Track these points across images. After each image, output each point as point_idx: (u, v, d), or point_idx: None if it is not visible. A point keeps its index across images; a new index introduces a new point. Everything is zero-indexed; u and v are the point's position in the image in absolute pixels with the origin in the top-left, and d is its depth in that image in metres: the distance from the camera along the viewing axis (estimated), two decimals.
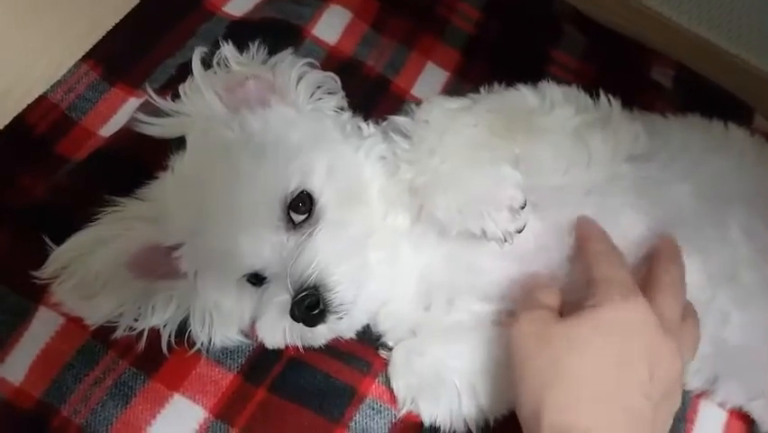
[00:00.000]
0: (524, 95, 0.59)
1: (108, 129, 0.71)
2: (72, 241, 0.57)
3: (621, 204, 0.59)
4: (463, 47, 0.81)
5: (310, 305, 0.52)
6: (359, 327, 0.59)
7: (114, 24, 0.75)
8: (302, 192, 0.55)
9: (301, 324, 0.53)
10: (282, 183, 0.55)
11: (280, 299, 0.53)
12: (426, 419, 0.58)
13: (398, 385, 0.59)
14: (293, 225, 0.55)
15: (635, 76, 0.84)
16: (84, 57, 0.73)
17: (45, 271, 0.56)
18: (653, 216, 0.59)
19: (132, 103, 0.73)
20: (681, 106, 0.75)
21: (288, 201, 0.54)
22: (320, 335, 0.56)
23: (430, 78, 0.78)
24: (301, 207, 0.55)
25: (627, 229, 0.58)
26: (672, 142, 0.63)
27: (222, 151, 0.57)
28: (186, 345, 0.58)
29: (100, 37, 0.75)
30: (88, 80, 0.72)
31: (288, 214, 0.55)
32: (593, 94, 0.62)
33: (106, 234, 0.58)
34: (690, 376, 0.64)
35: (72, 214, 0.60)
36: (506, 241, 0.53)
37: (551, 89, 0.59)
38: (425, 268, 0.59)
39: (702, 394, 0.66)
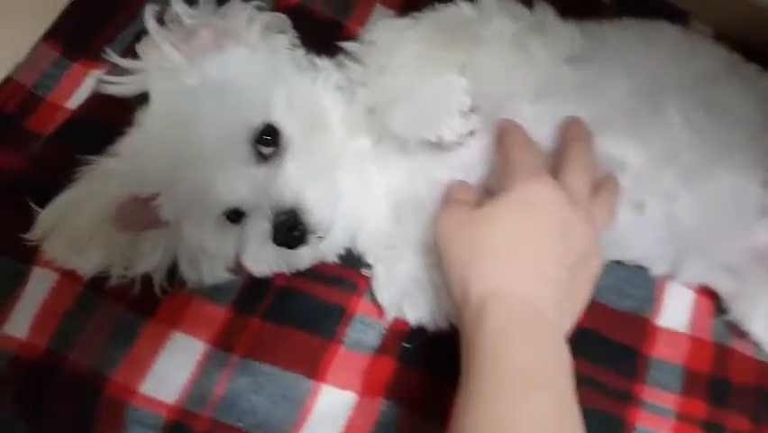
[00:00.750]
0: (462, 8, 0.62)
1: (74, 102, 0.73)
2: (55, 202, 0.59)
3: (565, 107, 0.63)
4: None
5: (290, 227, 0.55)
6: (339, 248, 0.63)
7: (69, 3, 0.77)
8: (266, 125, 0.58)
9: (284, 248, 0.57)
10: (247, 119, 0.57)
11: (261, 227, 0.57)
12: (412, 321, 0.62)
13: (383, 296, 0.63)
14: (263, 158, 0.58)
15: None
16: (44, 37, 0.75)
17: (34, 234, 0.58)
18: (596, 114, 0.63)
19: (95, 75, 0.75)
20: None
21: (255, 136, 0.57)
22: (304, 257, 0.60)
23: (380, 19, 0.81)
24: (268, 139, 0.58)
25: None
26: (608, 42, 0.67)
27: (184, 97, 0.60)
28: (178, 286, 0.62)
29: (57, 16, 0.77)
30: (50, 59, 0.75)
31: (257, 148, 0.58)
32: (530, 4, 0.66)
33: (86, 193, 0.60)
34: (653, 262, 0.69)
35: (52, 182, 0.62)
36: (460, 144, 0.56)
37: (487, 1, 0.63)
38: (391, 185, 0.63)
39: (667, 277, 0.70)
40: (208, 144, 0.57)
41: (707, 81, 0.68)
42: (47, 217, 0.59)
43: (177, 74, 0.60)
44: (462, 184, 0.59)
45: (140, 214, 0.61)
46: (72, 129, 0.69)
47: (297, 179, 0.56)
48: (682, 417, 0.62)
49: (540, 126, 0.61)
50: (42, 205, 0.59)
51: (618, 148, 0.63)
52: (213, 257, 0.62)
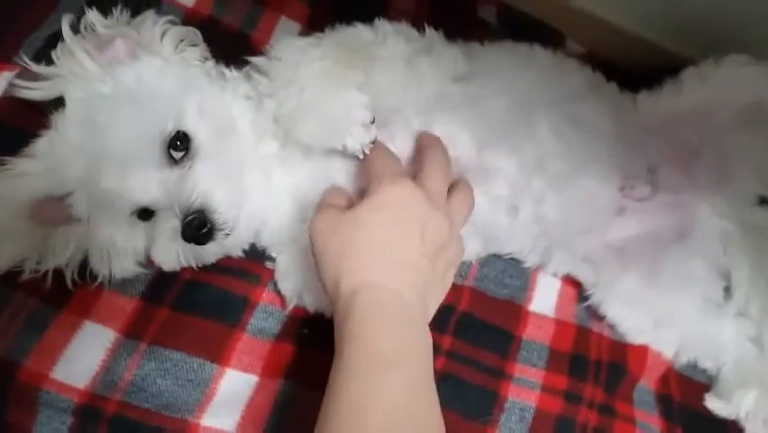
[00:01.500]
0: (360, 30, 0.70)
1: None
2: None
3: (450, 119, 0.72)
4: (311, 1, 0.91)
5: (198, 225, 0.61)
6: (244, 244, 0.69)
7: None
8: (178, 132, 0.63)
9: (192, 244, 0.62)
10: (159, 126, 0.62)
11: (171, 225, 0.62)
12: (311, 309, 0.69)
13: (285, 286, 0.69)
14: (174, 162, 0.63)
15: (464, 15, 0.97)
16: None
17: None
18: (477, 127, 0.72)
19: (5, 77, 0.77)
20: (507, 38, 0.89)
21: (167, 141, 0.62)
22: (210, 252, 0.65)
23: (284, 31, 0.88)
24: (179, 144, 0.63)
25: (456, 139, 0.71)
26: (488, 63, 0.77)
27: (99, 104, 0.63)
28: (89, 279, 0.66)
29: None
30: None
31: (169, 152, 0.63)
32: (421, 29, 0.74)
33: (4, 189, 0.64)
34: (527, 255, 0.79)
35: None
36: (363, 151, 0.64)
37: (383, 25, 0.71)
38: (295, 186, 0.70)
39: (538, 268, 0.80)
40: (122, 148, 0.61)
41: (572, 98, 0.79)
42: None
43: (92, 81, 0.65)
44: (336, 189, 0.66)
45: (53, 211, 0.65)
46: None
47: (205, 181, 0.62)
48: (546, 389, 0.72)
49: None
50: None
51: (496, 157, 0.73)
52: (123, 253, 0.66)
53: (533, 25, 0.99)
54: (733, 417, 0.76)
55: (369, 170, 0.63)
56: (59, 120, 0.65)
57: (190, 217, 0.61)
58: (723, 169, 0.81)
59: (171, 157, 0.63)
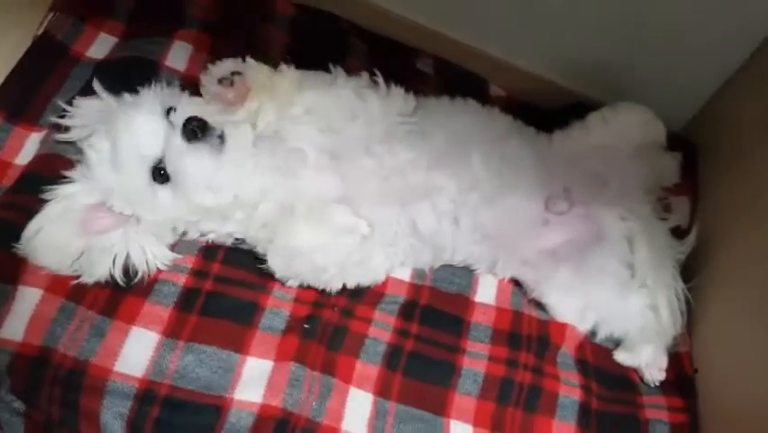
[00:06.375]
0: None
1: (21, 159, 0.95)
2: (33, 222, 0.83)
3: (400, 147, 0.96)
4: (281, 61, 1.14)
5: (195, 126, 0.83)
6: (228, 214, 0.91)
7: (8, 74, 0.99)
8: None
9: (194, 142, 0.84)
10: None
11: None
12: (294, 284, 0.93)
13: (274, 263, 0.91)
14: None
15: (405, 67, 1.21)
16: None
17: (20, 246, 0.82)
18: (423, 155, 0.96)
19: (34, 137, 0.97)
20: (442, 86, 1.14)
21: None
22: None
23: None
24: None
25: (405, 163, 0.95)
26: (428, 107, 1.02)
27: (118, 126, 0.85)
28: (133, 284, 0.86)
29: None
30: None
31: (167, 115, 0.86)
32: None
33: (55, 211, 0.84)
34: (475, 261, 1.03)
35: (20, 224, 0.84)
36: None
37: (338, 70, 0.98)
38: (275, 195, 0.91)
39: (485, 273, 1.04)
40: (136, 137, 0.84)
41: (499, 139, 1.02)
42: (28, 234, 0.82)
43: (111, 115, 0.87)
44: None
45: (96, 222, 0.85)
46: (28, 180, 0.91)
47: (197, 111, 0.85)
48: (492, 358, 0.96)
49: (384, 162, 0.95)
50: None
51: (440, 177, 0.97)
52: (156, 230, 0.88)
53: (463, 75, 1.24)
54: (635, 365, 1.01)
55: None
56: (88, 146, 0.87)
57: (188, 122, 0.83)
58: (623, 188, 1.05)
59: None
